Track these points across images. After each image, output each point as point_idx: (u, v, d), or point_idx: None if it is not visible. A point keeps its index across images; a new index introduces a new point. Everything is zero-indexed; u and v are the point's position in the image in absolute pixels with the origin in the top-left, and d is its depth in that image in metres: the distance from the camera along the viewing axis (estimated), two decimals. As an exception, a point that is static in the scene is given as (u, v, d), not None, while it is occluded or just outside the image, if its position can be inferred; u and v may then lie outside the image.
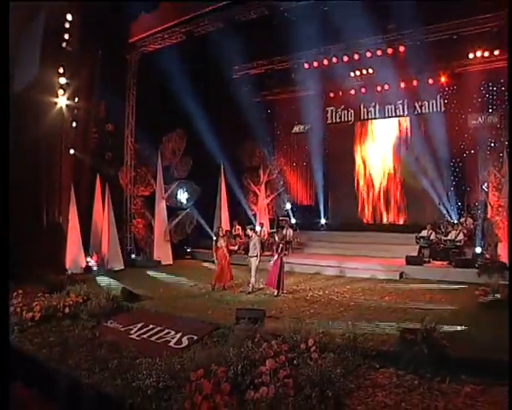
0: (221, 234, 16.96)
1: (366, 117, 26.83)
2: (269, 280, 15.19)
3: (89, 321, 11.94)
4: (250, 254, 16.10)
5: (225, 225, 24.04)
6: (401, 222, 25.27)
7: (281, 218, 25.73)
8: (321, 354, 8.11)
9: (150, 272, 20.06)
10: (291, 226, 23.78)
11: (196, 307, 13.38)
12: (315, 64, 24.97)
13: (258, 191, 26.42)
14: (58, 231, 19.79)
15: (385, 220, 25.85)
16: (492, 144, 20.78)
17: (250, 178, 26.61)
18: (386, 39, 22.45)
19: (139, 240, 23.36)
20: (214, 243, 16.90)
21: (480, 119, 22.55)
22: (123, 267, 21.04)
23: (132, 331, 11.24)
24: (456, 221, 20.89)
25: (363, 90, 25.93)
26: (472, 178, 21.75)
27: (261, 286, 15.84)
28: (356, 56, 23.39)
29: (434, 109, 24.33)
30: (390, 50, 22.55)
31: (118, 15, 20.35)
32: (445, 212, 22.17)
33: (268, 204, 26.56)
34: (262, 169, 26.45)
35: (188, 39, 21.96)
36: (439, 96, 24.14)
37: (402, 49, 22.32)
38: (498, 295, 12.54)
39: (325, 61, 24.55)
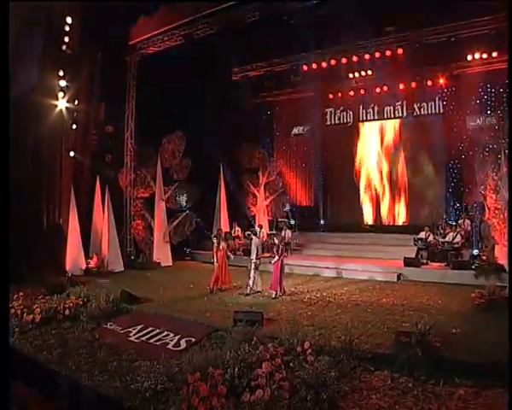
0: (221, 236, 17.01)
1: (365, 118, 26.92)
2: (272, 283, 15.32)
3: (89, 323, 12.06)
4: (251, 257, 16.22)
5: (225, 226, 24.10)
6: (400, 223, 25.33)
7: (280, 219, 25.74)
8: (317, 357, 8.21)
9: (150, 274, 20.10)
10: (289, 228, 23.79)
11: (195, 310, 13.44)
12: (314, 66, 25.06)
13: (257, 193, 26.47)
14: (58, 232, 19.81)
15: (383, 222, 25.92)
16: (490, 146, 20.81)
17: (249, 180, 26.64)
18: (385, 41, 22.52)
19: (139, 242, 23.39)
20: (214, 245, 16.97)
21: (478, 120, 22.68)
22: (123, 269, 21.07)
23: (131, 334, 11.33)
24: (454, 223, 20.95)
25: (362, 91, 26.02)
26: (470, 180, 21.77)
27: (259, 289, 15.90)
28: (354, 58, 23.46)
29: (433, 111, 24.44)
30: (388, 53, 22.63)
31: (117, 18, 20.40)
32: (443, 213, 22.21)
33: (267, 206, 26.57)
34: (261, 171, 26.48)
35: (187, 42, 22.04)
36: (437, 98, 24.23)
37: (400, 51, 22.37)
38: (494, 298, 12.65)
39: (324, 64, 24.63)
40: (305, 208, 28.66)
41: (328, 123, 28.22)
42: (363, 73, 24.92)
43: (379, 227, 25.53)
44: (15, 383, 8.84)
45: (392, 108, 25.76)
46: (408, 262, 18.54)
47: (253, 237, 16.74)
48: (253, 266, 15.93)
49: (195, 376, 7.47)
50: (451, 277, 17.03)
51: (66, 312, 12.61)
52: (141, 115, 23.53)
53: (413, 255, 19.56)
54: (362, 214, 26.82)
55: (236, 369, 7.67)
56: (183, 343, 10.36)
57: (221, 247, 16.52)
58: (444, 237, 19.59)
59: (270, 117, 30.22)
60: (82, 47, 20.41)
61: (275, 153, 29.76)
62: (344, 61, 23.84)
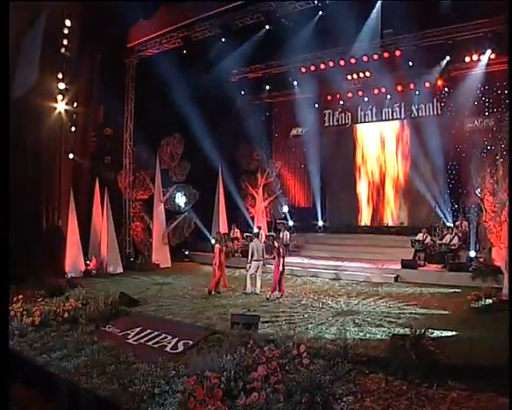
0: (219, 238, 17.06)
1: (363, 120, 27.03)
2: (273, 285, 15.42)
3: (87, 326, 12.07)
4: (255, 258, 16.32)
5: (223, 228, 24.21)
6: (398, 225, 25.37)
7: (278, 221, 25.82)
8: (312, 360, 8.28)
9: (148, 276, 20.15)
10: (288, 229, 23.86)
11: (193, 312, 13.52)
12: (312, 68, 25.16)
13: (255, 194, 26.59)
14: (57, 234, 19.87)
15: (381, 223, 26.02)
16: (488, 147, 20.87)
17: (248, 181, 26.77)
18: (383, 44, 22.61)
19: (138, 243, 23.51)
20: (213, 247, 17.05)
21: (476, 122, 22.73)
22: (122, 271, 21.20)
23: (130, 336, 11.36)
24: (451, 224, 21.03)
25: (360, 93, 26.08)
26: (468, 181, 21.67)
27: (257, 291, 15.99)
28: (352, 60, 23.53)
29: (431, 113, 24.54)
30: (386, 54, 22.74)
31: (116, 20, 20.46)
32: (441, 215, 22.29)
33: (266, 207, 26.71)
34: (260, 172, 26.62)
35: (185, 44, 22.15)
36: (435, 100, 24.32)
37: (398, 53, 22.46)
38: (490, 301, 12.74)
39: (322, 66, 24.70)
40: (303, 210, 28.78)
41: (327, 124, 28.38)
42: (361, 75, 25.01)
43: (377, 228, 25.62)
44: (15, 384, 8.92)
45: (390, 109, 25.86)
46: (405, 264, 18.62)
47: (255, 238, 16.90)
48: (252, 268, 16.06)
49: (192, 379, 7.56)
50: (448, 279, 17.10)
51: (66, 314, 12.63)
52: (140, 117, 23.62)
53: (411, 257, 19.62)
54: (360, 216, 26.97)
55: (232, 372, 7.73)
56: (180, 346, 10.39)
57: (220, 249, 16.52)
58: (441, 239, 19.69)
59: (268, 118, 30.35)
60: (81, 49, 20.42)
61: (273, 154, 29.93)
62: (342, 63, 23.88)
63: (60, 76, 19.71)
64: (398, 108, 25.66)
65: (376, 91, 25.41)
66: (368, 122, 26.95)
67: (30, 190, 18.58)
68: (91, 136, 22.49)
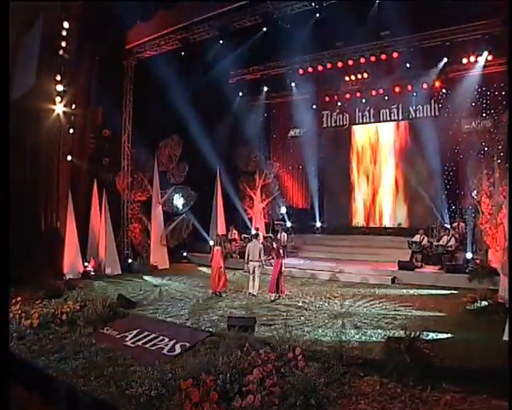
0: (218, 241, 17.11)
1: (361, 121, 27.13)
2: (270, 286, 15.50)
3: (86, 328, 12.08)
4: (250, 259, 16.40)
5: (221, 229, 24.30)
6: (395, 226, 25.46)
7: (276, 222, 25.89)
8: (307, 363, 8.35)
9: (147, 277, 20.23)
10: (285, 230, 23.92)
11: (190, 313, 13.61)
12: (309, 70, 25.31)
13: (253, 195, 26.62)
14: (56, 236, 19.89)
15: (379, 224, 26.11)
16: (486, 149, 20.95)
17: (246, 183, 26.83)
18: (381, 45, 22.70)
19: (136, 245, 23.56)
20: (211, 248, 17.08)
21: (473, 123, 22.79)
22: (120, 272, 21.23)
23: (127, 338, 11.42)
24: (448, 226, 21.10)
25: (357, 94, 26.18)
26: (465, 183, 21.74)
27: (254, 292, 16.05)
28: (350, 62, 23.62)
29: (428, 114, 24.63)
30: (384, 56, 22.85)
31: (114, 23, 20.50)
32: (438, 216, 22.35)
33: (264, 208, 26.74)
34: (258, 173, 26.65)
35: (183, 46, 22.20)
36: (433, 101, 24.41)
37: (396, 55, 22.57)
38: (486, 303, 12.81)
39: (320, 67, 24.84)
40: (301, 211, 28.87)
41: (325, 125, 28.47)
42: (359, 76, 25.15)
43: (374, 230, 25.72)
44: (14, 386, 8.96)
45: (387, 110, 25.96)
46: (402, 265, 18.67)
47: (253, 239, 16.97)
48: (250, 269, 16.21)
49: (188, 382, 7.62)
50: (445, 280, 17.14)
51: (64, 317, 12.65)
52: (138, 119, 23.68)
53: (408, 258, 19.66)
54: (358, 217, 27.05)
55: (228, 375, 7.79)
56: (177, 348, 10.46)
57: (215, 250, 16.58)
58: (438, 241, 19.75)
59: (266, 120, 30.40)
60: (79, 51, 20.46)
61: (271, 155, 30.06)
62: (340, 64, 23.97)
63: (58, 78, 19.72)
64: (395, 110, 25.73)
65: (374, 93, 25.48)
66: (365, 123, 27.05)
67: (28, 191, 18.59)
68: (89, 137, 22.49)
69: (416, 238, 20.02)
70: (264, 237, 22.82)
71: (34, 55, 18.56)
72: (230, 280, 17.28)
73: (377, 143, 26.68)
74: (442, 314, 12.84)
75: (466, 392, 7.63)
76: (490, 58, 21.28)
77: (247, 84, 28.58)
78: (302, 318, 12.75)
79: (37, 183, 19.47)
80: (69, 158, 20.63)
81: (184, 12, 20.78)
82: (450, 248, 18.84)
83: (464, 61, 22.12)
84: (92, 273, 20.37)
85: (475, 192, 17.14)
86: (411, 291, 16.29)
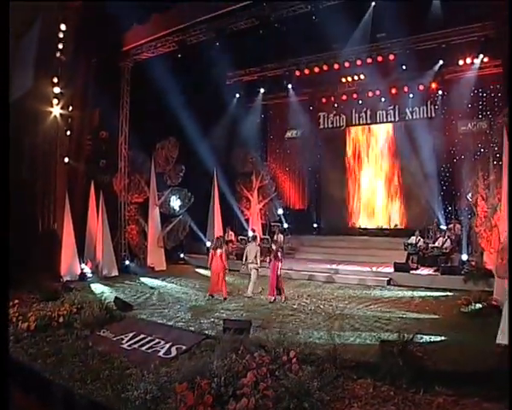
0: (219, 243, 16.86)
1: (357, 122, 27.19)
2: (269, 289, 15.62)
3: (82, 331, 12.14)
4: (249, 261, 16.59)
5: (218, 230, 24.31)
6: (392, 227, 25.55)
7: (273, 223, 25.95)
8: (301, 366, 8.40)
9: (143, 279, 20.24)
10: (282, 232, 24.00)
11: (186, 316, 13.68)
12: (306, 71, 25.35)
13: (250, 197, 26.65)
14: (53, 238, 19.91)
15: (376, 225, 26.15)
16: (482, 150, 21.04)
17: (243, 184, 26.87)
18: (377, 47, 22.78)
19: (133, 246, 23.58)
20: (208, 250, 17.03)
21: (469, 125, 22.86)
22: (117, 274, 21.21)
23: (124, 341, 11.47)
24: (445, 227, 21.17)
25: (354, 95, 26.31)
26: (461, 184, 21.89)
27: (249, 294, 16.18)
28: (346, 64, 23.67)
29: (425, 115, 24.70)
30: (380, 58, 22.92)
31: (111, 25, 20.54)
32: (435, 217, 22.38)
33: (260, 209, 26.75)
34: (254, 175, 26.67)
35: (180, 48, 22.25)
36: (429, 103, 24.50)
37: (392, 57, 22.63)
38: (480, 305, 12.88)
39: (316, 69, 24.90)
40: (298, 212, 28.89)
41: (322, 127, 28.50)
42: (355, 78, 25.18)
43: (371, 231, 25.78)
44: (11, 389, 9.01)
45: (384, 112, 26.03)
46: (398, 267, 18.72)
47: (252, 242, 17.06)
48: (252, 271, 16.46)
49: (183, 385, 7.68)
50: (441, 282, 17.22)
51: (61, 319, 12.66)
52: (135, 121, 23.71)
53: (404, 259, 19.71)
54: (354, 218, 27.11)
55: (223, 378, 7.84)
56: (173, 351, 10.52)
57: (219, 253, 16.46)
58: (434, 242, 19.79)
59: (263, 121, 30.40)
60: (76, 53, 20.48)
61: (268, 157, 30.14)
62: (336, 66, 24.02)
63: (55, 80, 19.76)
64: (392, 111, 25.81)
65: (370, 94, 25.60)
66: (362, 125, 27.12)
67: (25, 193, 18.60)
68: (87, 139, 22.49)
69: (412, 240, 20.04)
70: (261, 239, 22.88)
71: (31, 58, 18.54)
72: (227, 282, 17.27)
73: (373, 145, 26.75)
74: (436, 317, 12.93)
75: (458, 395, 7.70)
76: (486, 60, 21.32)
77: (244, 86, 28.62)
78: (297, 320, 12.82)
79: (34, 185, 19.52)
80: (66, 160, 20.65)
81: (181, 14, 20.78)
82: (445, 250, 18.88)
83: (460, 62, 22.19)
84: (89, 275, 20.39)
85: (470, 195, 17.22)
86: (407, 293, 16.35)
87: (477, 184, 16.44)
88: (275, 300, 15.35)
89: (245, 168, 27.01)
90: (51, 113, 19.81)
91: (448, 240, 19.09)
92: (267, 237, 22.83)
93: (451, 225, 20.90)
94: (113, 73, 23.01)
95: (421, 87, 23.91)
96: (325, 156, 28.30)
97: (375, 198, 26.53)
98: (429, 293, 16.16)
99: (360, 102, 26.40)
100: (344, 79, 25.65)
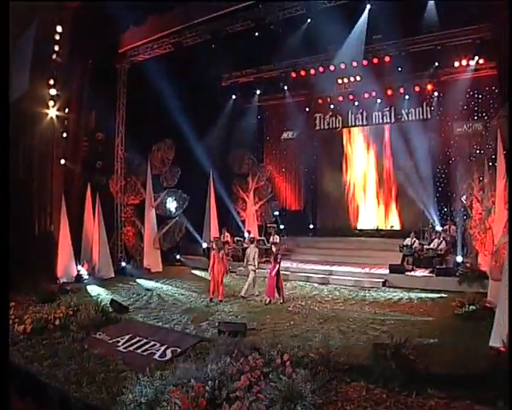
0: (215, 246, 16.70)
1: (353, 124, 27.18)
2: (268, 290, 15.68)
3: (78, 333, 12.18)
4: (249, 263, 16.67)
5: (215, 232, 24.41)
6: (388, 228, 25.60)
7: (269, 224, 25.99)
8: (295, 369, 8.45)
9: (140, 281, 20.29)
10: (277, 233, 24.07)
11: (182, 318, 13.76)
12: (302, 73, 25.38)
13: (246, 198, 26.74)
14: (49, 239, 19.92)
15: (372, 226, 26.17)
16: (478, 151, 21.10)
17: (239, 185, 26.94)
18: (372, 49, 22.82)
19: (129, 248, 23.64)
20: (204, 251, 16.96)
21: (465, 126, 22.91)
22: (113, 275, 21.25)
23: (119, 343, 11.52)
24: (440, 228, 21.23)
25: (350, 97, 26.28)
26: (457, 186, 21.96)
27: (243, 295, 16.29)
28: (342, 66, 23.68)
29: (421, 117, 24.72)
30: (376, 60, 22.95)
31: (107, 26, 20.59)
32: (430, 219, 22.45)
33: (257, 211, 26.82)
34: (251, 176, 26.74)
35: (176, 50, 22.30)
36: (425, 104, 24.54)
37: (387, 59, 22.66)
38: (474, 307, 12.94)
39: (312, 71, 24.95)
40: (294, 213, 28.94)
41: (318, 128, 28.50)
42: (351, 79, 25.16)
43: (367, 232, 25.78)
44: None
45: (380, 113, 26.04)
46: (393, 269, 18.76)
47: (251, 244, 17.17)
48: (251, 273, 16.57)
49: (177, 388, 7.74)
50: (436, 283, 17.30)
51: (57, 322, 12.71)
52: (131, 122, 23.77)
53: (400, 261, 19.78)
54: (351, 219, 27.12)
55: (217, 381, 7.90)
56: (168, 354, 10.57)
57: (221, 255, 16.39)
58: (429, 244, 19.85)
59: (259, 122, 30.44)
60: (72, 55, 20.49)
61: (265, 158, 30.17)
62: (332, 68, 24.06)
63: (51, 82, 19.77)
64: (388, 113, 25.82)
65: (366, 95, 25.60)
66: (358, 126, 27.15)
67: (22, 195, 18.56)
68: (83, 141, 22.50)
69: (407, 241, 20.08)
70: (257, 240, 22.94)
71: (27, 59, 18.56)
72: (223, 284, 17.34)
73: (369, 146, 26.80)
74: (430, 319, 13.00)
75: (450, 398, 7.76)
76: (481, 62, 21.39)
77: (240, 87, 28.66)
78: (292, 322, 12.90)
79: (30, 186, 19.52)
80: (63, 162, 20.66)
81: (177, 16, 20.84)
82: (440, 252, 18.93)
83: (456, 64, 22.23)
84: (86, 277, 20.41)
85: (464, 197, 17.29)
86: (402, 295, 16.42)
87: (472, 186, 16.51)
88: (270, 301, 15.43)
89: (241, 169, 27.06)
90: (47, 114, 19.83)
91: (443, 241, 19.15)
92: (263, 238, 22.84)
93: (447, 227, 20.99)
94: (109, 74, 23.06)
95: (416, 89, 23.99)
96: (321, 157, 28.39)
97: (371, 199, 26.57)
98: (424, 295, 16.24)
99: (356, 103, 26.40)
100: (340, 81, 25.64)
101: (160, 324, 13.28)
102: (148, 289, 18.34)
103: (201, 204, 25.60)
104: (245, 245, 22.67)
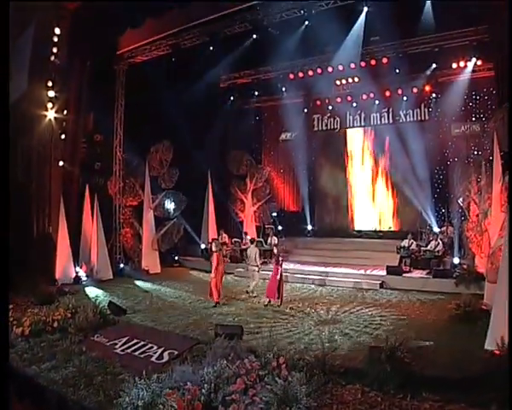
0: (215, 247, 16.42)
1: (352, 125, 27.23)
2: (268, 291, 15.70)
3: (76, 335, 12.19)
4: (250, 263, 16.94)
5: (213, 233, 24.44)
6: (386, 229, 25.65)
7: (267, 225, 26.03)
8: (291, 372, 8.47)
9: (138, 282, 20.37)
10: (275, 234, 24.11)
11: (179, 320, 13.84)
12: (300, 74, 25.40)
13: (245, 199, 26.75)
14: (48, 241, 19.94)
15: (370, 228, 26.22)
16: (475, 153, 21.14)
17: (237, 186, 26.95)
18: (370, 51, 22.85)
19: (128, 249, 23.69)
20: (203, 252, 16.91)
21: (462, 127, 22.94)
22: (111, 277, 21.30)
23: (117, 346, 11.57)
24: (437, 230, 21.28)
25: (348, 98, 26.32)
26: (454, 187, 22.03)
27: (251, 292, 16.52)
28: (340, 67, 23.69)
29: (419, 118, 24.77)
30: (373, 62, 22.99)
31: (105, 28, 20.62)
32: (428, 220, 22.49)
33: (255, 212, 26.83)
34: (249, 177, 26.75)
35: (174, 51, 22.36)
36: (423, 105, 24.58)
37: (385, 60, 22.67)
38: (469, 310, 12.98)
39: (310, 72, 24.96)
40: (292, 214, 28.98)
41: (316, 129, 28.54)
42: (349, 80, 25.19)
43: (366, 233, 25.85)
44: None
45: (378, 114, 26.08)
46: (390, 270, 18.81)
47: (251, 245, 17.25)
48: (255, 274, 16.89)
49: (173, 392, 7.78)
50: (433, 285, 17.34)
51: (55, 324, 12.74)
52: (129, 124, 23.82)
53: (397, 262, 19.82)
54: (348, 220, 27.18)
55: (213, 384, 7.93)
56: (165, 356, 10.63)
57: (222, 256, 16.44)
58: (426, 245, 19.90)
59: (258, 123, 30.54)
60: (70, 57, 20.54)
61: (263, 159, 30.21)
62: (330, 69, 24.06)
63: (49, 84, 19.80)
64: (386, 114, 25.87)
65: (365, 97, 25.69)
66: (356, 127, 27.19)
67: (20, 197, 18.56)
68: (81, 142, 22.60)
69: (405, 243, 20.13)
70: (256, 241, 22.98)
71: (26, 61, 18.57)
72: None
73: (367, 147, 26.83)
74: (427, 321, 13.08)
75: (445, 401, 7.80)
76: (479, 63, 21.43)
77: (238, 89, 28.77)
78: (289, 325, 12.96)
79: (29, 188, 19.51)
80: (61, 163, 20.70)
81: (175, 18, 20.86)
82: (437, 253, 18.97)
83: (454, 65, 22.27)
84: (84, 278, 20.49)
85: (461, 199, 17.31)
86: (399, 297, 16.50)
87: (469, 188, 16.52)
88: (269, 302, 15.49)
89: (239, 171, 27.04)
90: (46, 116, 19.83)
91: (440, 243, 19.20)
92: (261, 239, 22.88)
93: (444, 228, 21.02)
94: (107, 76, 23.11)
95: (414, 90, 24.01)
96: (319, 159, 28.44)
97: (369, 200, 26.60)
98: (421, 296, 16.30)
99: (354, 104, 26.44)
100: (338, 82, 25.69)
101: (158, 326, 13.32)
102: (146, 291, 18.42)
103: (199, 205, 25.69)
104: (243, 246, 22.74)
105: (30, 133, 19.26)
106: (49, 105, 19.88)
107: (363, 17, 20.10)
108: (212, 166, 26.23)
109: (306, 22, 20.08)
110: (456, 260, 18.10)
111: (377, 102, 25.51)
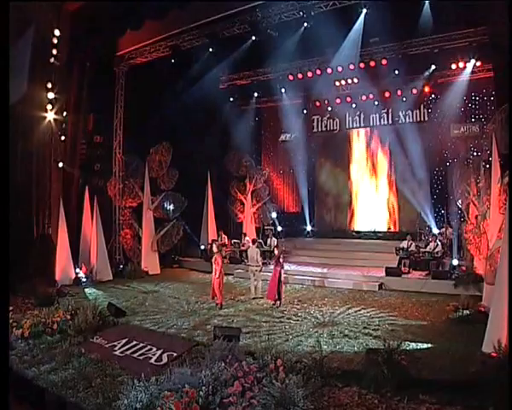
0: (216, 248, 16.31)
1: (351, 126, 27.34)
2: (268, 293, 15.76)
3: (76, 337, 12.21)
4: (251, 263, 17.05)
5: (212, 234, 24.52)
6: (385, 230, 25.71)
7: (266, 227, 26.06)
8: (288, 374, 8.49)
9: (138, 283, 20.38)
10: (275, 235, 24.13)
11: (178, 321, 13.84)
12: (299, 76, 25.40)
13: (244, 200, 26.77)
14: (48, 242, 19.95)
15: (369, 228, 26.27)
16: (474, 154, 21.13)
17: (237, 188, 26.97)
18: (370, 52, 22.87)
19: (127, 250, 23.67)
20: (202, 253, 16.88)
21: (462, 128, 22.91)
22: (111, 278, 21.30)
23: (116, 348, 11.55)
24: (437, 231, 21.31)
25: (348, 99, 26.37)
26: (454, 188, 22.04)
27: (258, 295, 16.62)
28: (339, 69, 23.69)
29: (418, 119, 24.85)
30: (372, 63, 22.97)
31: (105, 29, 20.66)
32: (427, 221, 22.54)
33: (254, 213, 26.85)
34: (248, 178, 26.78)
35: (174, 53, 22.39)
36: (422, 106, 24.67)
37: (384, 61, 22.68)
38: (467, 312, 13.01)
39: (309, 73, 24.97)
40: (292, 215, 29.12)
41: (315, 130, 28.64)
42: (349, 81, 25.20)
43: (365, 234, 25.91)
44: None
45: (377, 115, 26.16)
46: (389, 272, 18.87)
47: (252, 245, 17.26)
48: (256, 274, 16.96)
49: (171, 394, 7.80)
50: (431, 286, 17.38)
51: (55, 326, 12.73)
52: (129, 125, 23.86)
53: (396, 263, 19.85)
54: (348, 221, 27.29)
55: (211, 386, 7.95)
56: (164, 358, 10.61)
57: (215, 257, 16.14)
58: (425, 247, 19.93)
59: (257, 125, 30.61)
60: (70, 58, 20.58)
61: (262, 160, 30.36)
62: (329, 71, 24.05)
63: (49, 85, 19.81)
64: (385, 115, 25.95)
65: (364, 98, 25.76)
66: (356, 128, 27.30)
67: (20, 198, 18.57)
68: (81, 143, 22.58)
69: (404, 244, 20.19)
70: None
71: (26, 63, 18.58)
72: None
73: (367, 148, 26.90)
74: (425, 323, 13.09)
75: (442, 403, 7.82)
76: (478, 64, 21.49)
77: (238, 90, 28.84)
78: (287, 327, 12.96)
79: (28, 190, 19.51)
80: (61, 165, 20.72)
81: (175, 20, 20.87)
82: (436, 255, 19.01)
83: (453, 67, 22.34)
84: (84, 280, 20.47)
85: (460, 201, 17.33)
86: (398, 298, 16.50)
87: (468, 190, 16.55)
88: (274, 304, 15.53)
89: (239, 172, 27.06)
90: (45, 118, 19.84)
91: (439, 244, 19.24)
92: (260, 240, 22.89)
93: (443, 230, 21.07)
94: (107, 77, 23.13)
95: (414, 91, 24.02)
96: (319, 160, 28.56)
97: (368, 201, 26.67)
98: (420, 298, 16.31)
99: (354, 105, 26.51)
100: (337, 83, 25.74)
101: (157, 327, 13.33)
102: (145, 292, 18.41)
103: (199, 207, 25.73)
104: (242, 247, 22.78)
105: (30, 135, 19.27)
106: (49, 106, 19.88)
107: (361, 18, 20.09)
108: (212, 168, 26.32)
109: (305, 24, 20.05)
110: (455, 262, 18.13)
111: (376, 103, 25.57)
